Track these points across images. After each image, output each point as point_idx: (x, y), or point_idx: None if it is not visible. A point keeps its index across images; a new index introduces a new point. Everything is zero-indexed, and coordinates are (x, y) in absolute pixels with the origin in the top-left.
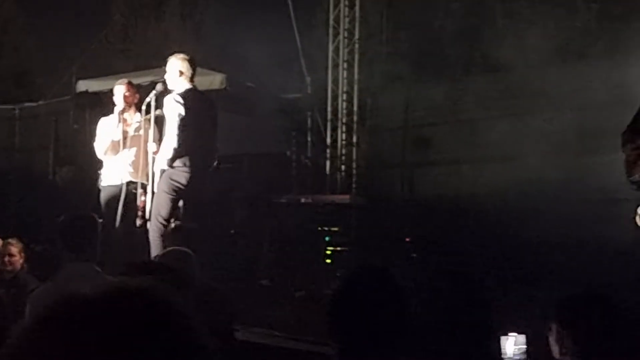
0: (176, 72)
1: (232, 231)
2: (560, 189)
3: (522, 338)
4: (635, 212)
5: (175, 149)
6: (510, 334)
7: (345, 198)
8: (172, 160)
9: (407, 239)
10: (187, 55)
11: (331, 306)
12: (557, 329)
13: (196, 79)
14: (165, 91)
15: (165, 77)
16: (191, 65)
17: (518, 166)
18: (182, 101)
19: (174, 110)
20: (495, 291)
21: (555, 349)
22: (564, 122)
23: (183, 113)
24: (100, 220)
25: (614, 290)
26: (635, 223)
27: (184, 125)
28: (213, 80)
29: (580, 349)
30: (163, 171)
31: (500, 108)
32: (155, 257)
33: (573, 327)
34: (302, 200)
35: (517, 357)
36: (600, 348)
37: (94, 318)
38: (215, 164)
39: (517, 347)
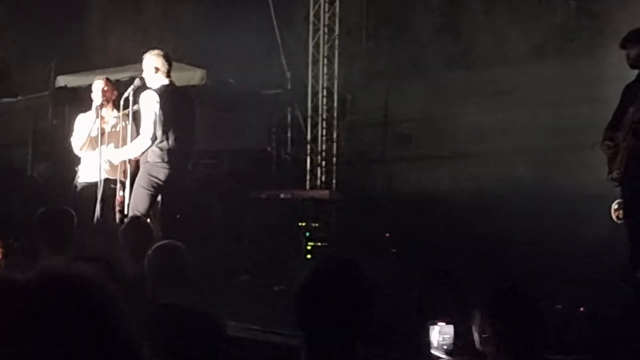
0: (152, 68)
1: (211, 227)
2: (538, 185)
3: (448, 328)
4: (611, 208)
5: (148, 143)
6: (438, 323)
7: (325, 194)
8: (145, 155)
9: (387, 234)
10: (162, 50)
11: (295, 296)
12: (479, 318)
13: (176, 74)
14: (143, 86)
15: (143, 73)
16: (167, 61)
17: (497, 162)
18: (157, 97)
19: (149, 105)
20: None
21: (477, 339)
22: (542, 119)
23: (158, 108)
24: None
25: (591, 285)
26: (612, 218)
27: (160, 120)
28: (193, 76)
29: (500, 340)
30: (136, 162)
31: (479, 104)
32: (147, 251)
33: (494, 318)
34: (282, 195)
35: (444, 347)
36: (519, 339)
37: (22, 299)
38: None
39: (442, 336)
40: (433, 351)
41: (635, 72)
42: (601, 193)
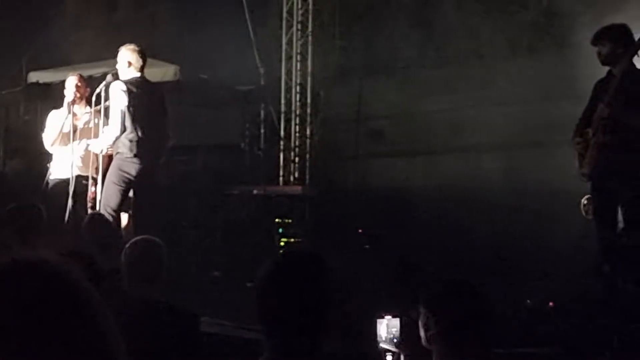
0: (125, 62)
1: (184, 223)
2: (511, 181)
3: (395, 321)
4: (581, 204)
5: (117, 133)
6: (385, 316)
7: (298, 189)
8: (116, 146)
9: (360, 230)
10: (137, 46)
11: (257, 289)
12: (424, 314)
13: (149, 70)
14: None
15: (116, 68)
16: (141, 56)
17: (470, 158)
18: (126, 89)
19: (118, 98)
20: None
21: (422, 335)
22: (515, 115)
23: (127, 100)
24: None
25: (561, 280)
26: (582, 214)
27: (130, 112)
28: (166, 72)
29: (444, 337)
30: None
31: (451, 101)
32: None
33: (439, 313)
34: (255, 191)
35: (393, 340)
36: (463, 336)
37: None
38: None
39: (390, 329)
40: (381, 344)
41: (606, 68)
42: (572, 189)
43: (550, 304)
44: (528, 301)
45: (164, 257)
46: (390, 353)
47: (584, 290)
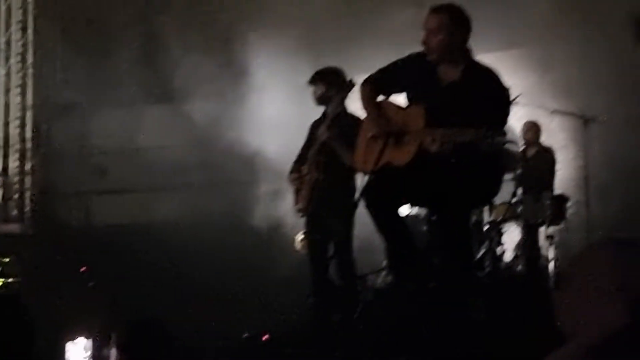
0: None
1: None
2: (230, 217)
3: (89, 342)
4: (296, 239)
5: None
6: (77, 339)
7: (16, 227)
8: None
9: (83, 268)
10: None
11: None
12: (116, 353)
13: None
14: None
15: None
16: None
17: (190, 195)
18: None
19: None
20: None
21: None
22: (232, 155)
23: None
24: None
25: (276, 313)
26: (297, 248)
27: None
28: None
29: None
30: None
31: (179, 138)
32: None
33: (126, 352)
34: None
35: None
36: None
37: None
38: None
39: (85, 351)
40: None
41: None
42: (288, 224)
43: (265, 337)
44: (245, 334)
45: None
46: None
47: (296, 322)
